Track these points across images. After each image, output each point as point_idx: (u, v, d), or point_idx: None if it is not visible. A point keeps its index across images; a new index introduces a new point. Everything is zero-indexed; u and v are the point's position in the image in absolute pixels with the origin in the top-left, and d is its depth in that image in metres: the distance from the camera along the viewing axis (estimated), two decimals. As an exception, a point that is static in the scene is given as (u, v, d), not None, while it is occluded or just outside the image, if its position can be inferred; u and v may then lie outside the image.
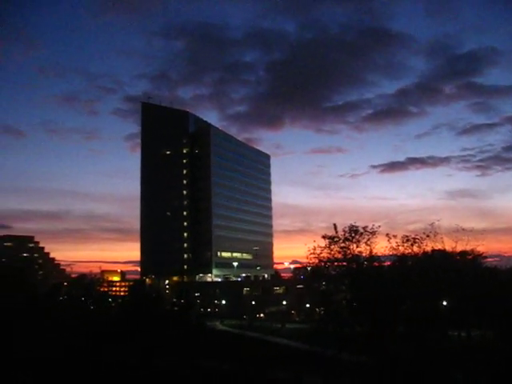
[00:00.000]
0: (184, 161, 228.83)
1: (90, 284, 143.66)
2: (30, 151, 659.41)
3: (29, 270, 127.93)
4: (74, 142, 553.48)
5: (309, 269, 60.70)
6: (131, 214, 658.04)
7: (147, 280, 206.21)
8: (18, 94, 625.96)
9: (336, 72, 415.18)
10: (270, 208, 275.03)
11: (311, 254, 48.51)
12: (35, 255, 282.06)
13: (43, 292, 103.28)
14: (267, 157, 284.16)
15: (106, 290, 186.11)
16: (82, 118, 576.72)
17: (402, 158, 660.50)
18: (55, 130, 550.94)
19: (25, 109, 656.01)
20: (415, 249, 47.65)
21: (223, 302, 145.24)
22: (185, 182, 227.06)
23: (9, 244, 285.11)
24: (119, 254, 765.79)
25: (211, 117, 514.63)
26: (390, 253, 48.37)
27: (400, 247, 47.10)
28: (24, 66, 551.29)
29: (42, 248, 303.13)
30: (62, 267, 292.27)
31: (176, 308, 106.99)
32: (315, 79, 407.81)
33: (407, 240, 46.95)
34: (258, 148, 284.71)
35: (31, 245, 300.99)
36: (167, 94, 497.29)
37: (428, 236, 48.44)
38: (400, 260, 50.13)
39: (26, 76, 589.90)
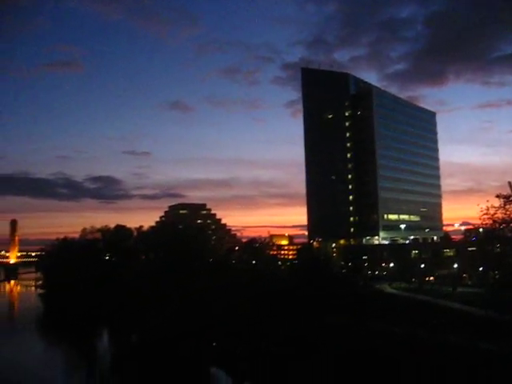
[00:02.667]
0: (347, 123, 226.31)
1: (259, 248, 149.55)
2: (197, 124, 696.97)
3: (203, 236, 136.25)
4: (237, 113, 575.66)
5: (481, 230, 57.81)
6: (296, 179, 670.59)
7: (314, 243, 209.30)
8: (183, 71, 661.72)
9: (503, 19, 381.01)
10: (437, 168, 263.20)
11: (484, 214, 46.27)
12: (208, 221, 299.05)
13: (217, 256, 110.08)
14: (432, 114, 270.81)
15: (274, 253, 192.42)
16: (244, 88, 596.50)
17: None
18: (220, 102, 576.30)
19: (190, 85, 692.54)
20: None
21: (391, 264, 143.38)
22: (348, 144, 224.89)
23: (183, 212, 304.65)
24: (286, 218, 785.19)
25: (370, 78, 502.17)
26: None
27: None
28: (187, 45, 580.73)
29: (214, 215, 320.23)
30: (233, 232, 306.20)
31: (344, 271, 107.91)
32: (479, 29, 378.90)
33: None
34: (421, 106, 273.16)
35: (204, 212, 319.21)
36: (324, 58, 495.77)
37: None
38: None
39: (190, 53, 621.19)
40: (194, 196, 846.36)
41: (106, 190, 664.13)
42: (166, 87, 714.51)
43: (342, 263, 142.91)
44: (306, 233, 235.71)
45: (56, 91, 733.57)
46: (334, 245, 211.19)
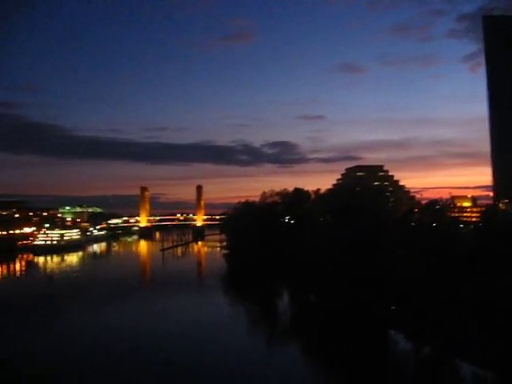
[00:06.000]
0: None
1: (440, 210, 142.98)
2: (370, 84, 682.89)
3: (380, 198, 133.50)
4: (411, 71, 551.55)
5: None
6: (478, 137, 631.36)
7: (500, 205, 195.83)
8: (352, 32, 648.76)
9: None
10: None
11: None
12: (385, 183, 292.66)
13: (395, 218, 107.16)
14: None
15: (456, 215, 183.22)
16: (417, 45, 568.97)
17: None
18: (392, 61, 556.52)
19: (361, 45, 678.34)
20: None
21: None
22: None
23: (360, 174, 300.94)
24: (468, 178, 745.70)
25: None
26: None
27: None
28: (356, 4, 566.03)
29: (392, 176, 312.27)
30: (411, 194, 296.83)
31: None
32: None
33: None
34: None
35: (381, 174, 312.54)
36: (507, 4, 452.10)
37: None
38: None
39: (359, 13, 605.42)
40: (371, 158, 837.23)
41: (283, 155, 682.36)
42: (337, 50, 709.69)
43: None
44: (491, 194, 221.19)
45: (231, 62, 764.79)
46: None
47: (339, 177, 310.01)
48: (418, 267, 68.85)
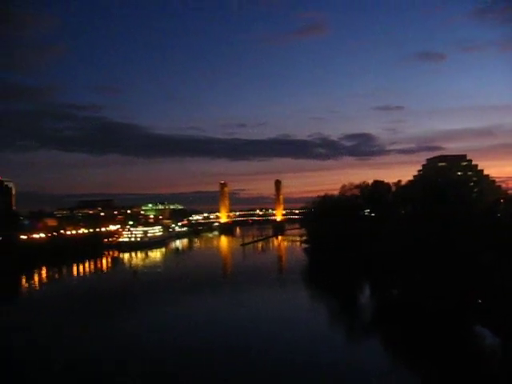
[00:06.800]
0: None
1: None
2: (450, 72, 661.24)
3: (463, 188, 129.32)
4: (490, 56, 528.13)
5: None
6: None
7: None
8: (428, 18, 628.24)
9: None
10: None
11: None
12: (469, 173, 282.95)
13: (480, 208, 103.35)
14: None
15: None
16: (496, 29, 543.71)
17: None
18: (470, 46, 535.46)
19: (438, 32, 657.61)
20: None
21: None
22: None
23: (442, 164, 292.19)
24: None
25: None
26: None
27: None
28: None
29: (475, 166, 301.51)
30: (497, 184, 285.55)
31: None
32: None
33: None
34: None
35: (464, 163, 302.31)
36: None
37: None
38: None
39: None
40: (452, 147, 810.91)
41: (362, 147, 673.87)
42: (413, 38, 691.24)
43: None
44: None
45: (304, 56, 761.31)
46: None
47: (420, 168, 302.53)
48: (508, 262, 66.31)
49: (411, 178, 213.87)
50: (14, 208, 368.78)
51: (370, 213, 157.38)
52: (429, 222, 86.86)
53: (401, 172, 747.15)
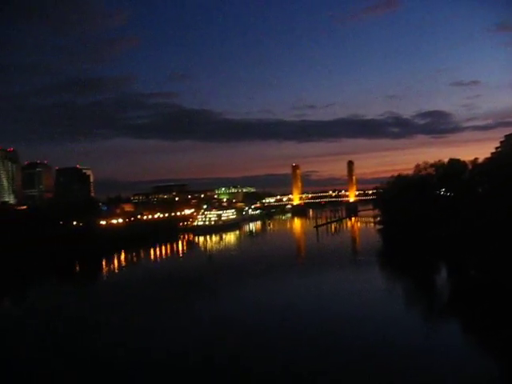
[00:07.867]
0: None
1: None
2: None
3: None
4: None
5: None
6: None
7: None
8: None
9: None
10: None
11: None
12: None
13: None
14: None
15: None
16: None
17: None
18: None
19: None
20: None
21: None
22: None
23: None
24: None
25: None
26: None
27: None
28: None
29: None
30: None
31: None
32: None
33: None
34: None
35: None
36: None
37: None
38: None
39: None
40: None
41: (436, 125, 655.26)
42: (489, 8, 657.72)
43: None
44: None
45: (376, 32, 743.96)
46: None
47: (498, 145, 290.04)
48: None
49: (489, 155, 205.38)
50: (92, 195, 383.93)
51: (446, 192, 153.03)
52: (509, 200, 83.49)
53: (478, 149, 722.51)
